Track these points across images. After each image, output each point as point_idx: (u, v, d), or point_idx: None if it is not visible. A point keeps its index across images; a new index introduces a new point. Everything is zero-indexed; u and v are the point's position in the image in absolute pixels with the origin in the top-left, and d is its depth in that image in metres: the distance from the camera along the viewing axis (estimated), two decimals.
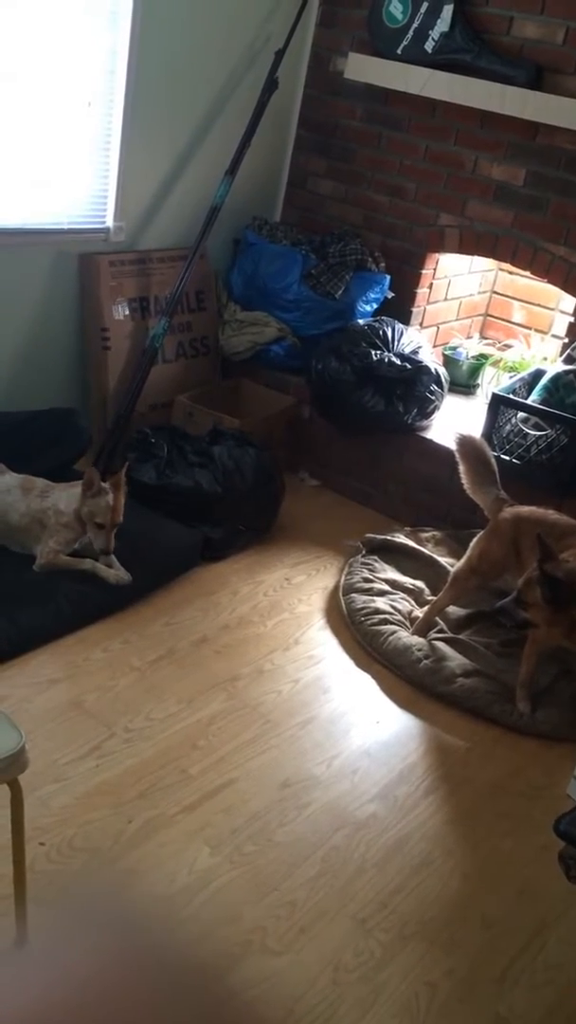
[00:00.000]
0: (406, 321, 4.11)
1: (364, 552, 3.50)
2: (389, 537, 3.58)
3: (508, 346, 4.49)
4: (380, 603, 3.21)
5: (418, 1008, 1.94)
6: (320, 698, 2.85)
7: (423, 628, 3.12)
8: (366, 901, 2.17)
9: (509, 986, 2.03)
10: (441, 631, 3.15)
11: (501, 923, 2.19)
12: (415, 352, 3.89)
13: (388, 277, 4.10)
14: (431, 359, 3.94)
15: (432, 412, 3.86)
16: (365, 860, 2.29)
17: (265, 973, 1.95)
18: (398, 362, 3.79)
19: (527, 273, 4.06)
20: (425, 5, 3.71)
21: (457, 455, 3.15)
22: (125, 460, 3.35)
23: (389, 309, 4.10)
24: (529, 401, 3.54)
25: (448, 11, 3.66)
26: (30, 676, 2.68)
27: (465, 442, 3.15)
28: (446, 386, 3.93)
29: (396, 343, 3.89)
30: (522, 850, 2.40)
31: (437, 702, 2.90)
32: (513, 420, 3.53)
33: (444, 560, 3.46)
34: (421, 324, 4.27)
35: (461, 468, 3.14)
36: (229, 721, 2.66)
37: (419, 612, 3.20)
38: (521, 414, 3.52)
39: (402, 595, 3.31)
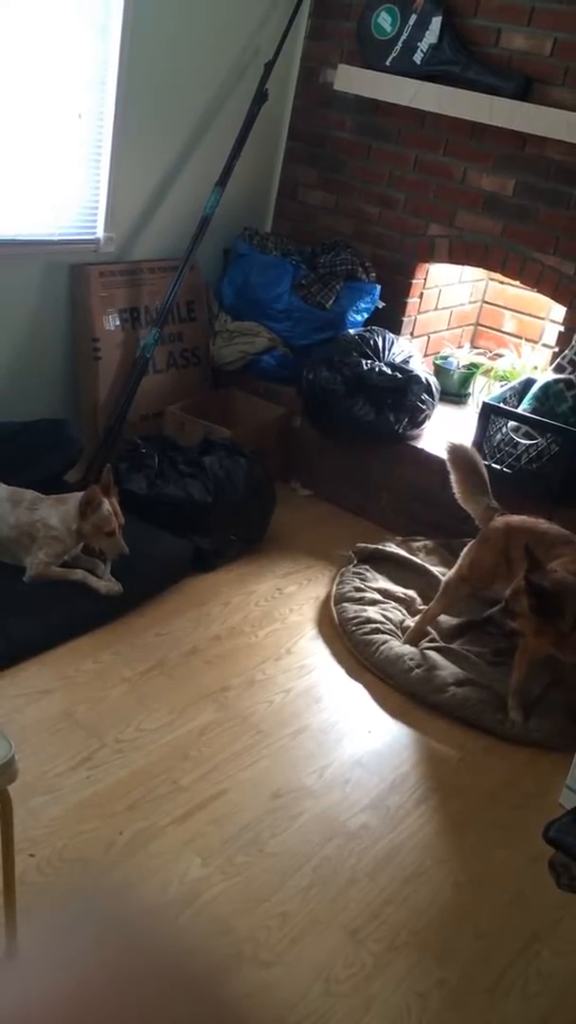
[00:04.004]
0: (397, 331, 4.12)
1: (356, 561, 3.50)
2: (380, 546, 3.59)
3: (499, 355, 4.51)
4: (372, 612, 3.20)
5: (410, 1019, 1.93)
6: (312, 708, 2.84)
7: (415, 637, 3.12)
8: (358, 911, 2.16)
9: (501, 996, 2.03)
10: (433, 640, 3.15)
11: (493, 933, 2.18)
12: (406, 362, 3.89)
13: (378, 287, 4.12)
14: (422, 368, 3.95)
15: (423, 421, 3.87)
16: (357, 870, 2.28)
17: (256, 984, 1.94)
18: (389, 372, 3.79)
19: (517, 283, 4.07)
20: (413, 17, 3.73)
21: (448, 464, 3.15)
22: (108, 463, 3.30)
23: (380, 319, 4.12)
24: (519, 410, 3.55)
25: (436, 23, 3.68)
26: (20, 687, 2.67)
27: (456, 451, 3.15)
28: (437, 395, 3.93)
29: (387, 353, 3.89)
30: (514, 860, 2.40)
31: (429, 711, 2.90)
32: (504, 429, 3.53)
33: (435, 569, 3.46)
34: (412, 334, 4.28)
35: (452, 477, 3.14)
36: (220, 732, 2.66)
37: (411, 621, 3.20)
38: (512, 423, 3.53)
39: (394, 604, 3.30)
